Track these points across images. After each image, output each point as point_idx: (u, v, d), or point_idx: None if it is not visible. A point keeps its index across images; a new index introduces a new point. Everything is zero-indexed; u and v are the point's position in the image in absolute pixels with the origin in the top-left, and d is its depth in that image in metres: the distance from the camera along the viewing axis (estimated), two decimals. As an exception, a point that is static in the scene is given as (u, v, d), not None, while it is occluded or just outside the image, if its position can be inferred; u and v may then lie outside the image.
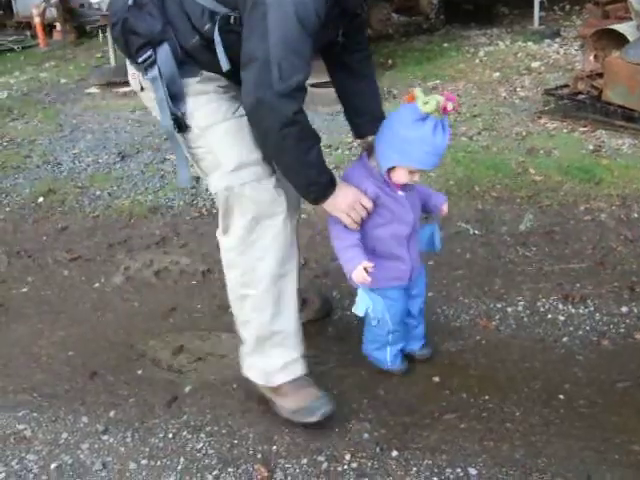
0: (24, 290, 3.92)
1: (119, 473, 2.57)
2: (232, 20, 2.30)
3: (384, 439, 2.61)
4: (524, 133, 5.29)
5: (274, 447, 2.62)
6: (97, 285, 3.89)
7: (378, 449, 2.57)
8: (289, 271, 2.61)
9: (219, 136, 2.49)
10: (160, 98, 2.41)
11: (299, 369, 2.69)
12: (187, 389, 2.98)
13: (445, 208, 2.79)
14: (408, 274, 2.72)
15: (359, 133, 2.80)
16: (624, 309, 3.24)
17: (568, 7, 9.19)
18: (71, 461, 2.65)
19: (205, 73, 2.46)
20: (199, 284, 3.81)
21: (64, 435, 2.78)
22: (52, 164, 5.59)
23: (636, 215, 4.03)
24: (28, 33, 11.06)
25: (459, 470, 2.45)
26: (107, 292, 3.82)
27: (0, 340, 3.45)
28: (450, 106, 2.31)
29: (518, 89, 6.38)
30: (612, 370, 2.88)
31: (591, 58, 5.66)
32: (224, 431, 2.73)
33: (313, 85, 4.36)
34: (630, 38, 5.22)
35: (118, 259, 4.13)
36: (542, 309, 3.30)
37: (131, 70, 2.59)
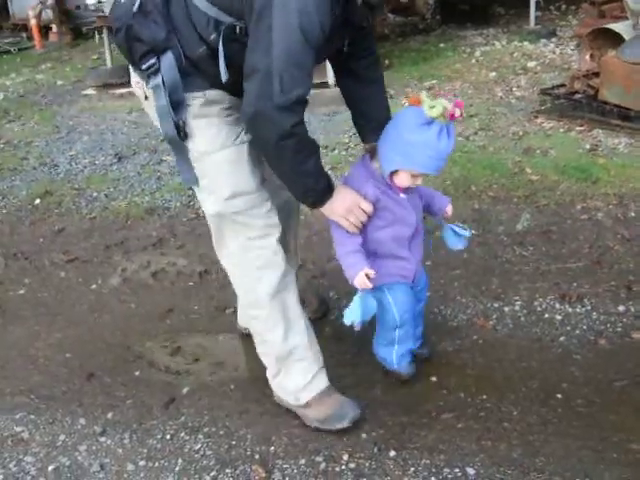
0: (21, 292, 3.92)
1: (117, 475, 2.57)
2: (237, 30, 2.26)
3: (382, 439, 2.61)
4: (521, 133, 5.29)
5: (272, 448, 2.62)
6: (94, 287, 3.89)
7: (376, 449, 2.57)
8: (288, 283, 2.64)
9: (217, 163, 2.47)
10: (162, 106, 2.37)
11: (322, 382, 2.72)
12: (185, 390, 2.98)
13: (449, 210, 2.78)
14: (412, 273, 2.72)
15: (366, 139, 2.75)
16: (621, 308, 3.24)
17: (564, 7, 9.19)
18: (69, 463, 2.65)
19: (208, 94, 2.41)
20: (196, 285, 3.82)
21: (62, 437, 2.78)
22: (49, 166, 5.59)
23: (633, 214, 4.03)
24: (24, 35, 11.08)
25: (457, 470, 2.45)
26: (104, 294, 3.82)
27: (-3, 342, 3.45)
28: (458, 112, 2.29)
29: (514, 89, 6.38)
30: (609, 369, 2.88)
31: (587, 57, 5.65)
32: (222, 432, 2.73)
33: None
34: (626, 37, 5.21)
35: (115, 260, 4.13)
36: (539, 308, 3.30)
37: (135, 78, 2.56)
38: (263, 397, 2.84)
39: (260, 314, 2.65)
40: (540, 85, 6.24)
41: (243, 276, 2.64)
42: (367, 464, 2.50)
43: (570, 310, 3.27)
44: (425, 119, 2.30)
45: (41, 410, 2.94)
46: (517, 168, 4.69)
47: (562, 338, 3.10)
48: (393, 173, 2.47)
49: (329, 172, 2.54)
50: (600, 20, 6.00)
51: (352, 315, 2.52)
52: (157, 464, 2.61)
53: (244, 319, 3.01)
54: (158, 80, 2.34)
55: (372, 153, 2.57)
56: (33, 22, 10.17)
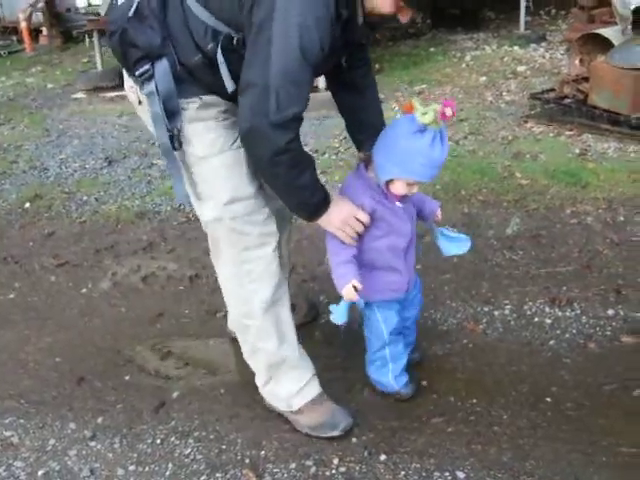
0: (11, 296, 3.90)
1: (107, 479, 2.57)
2: (235, 41, 2.23)
3: (372, 443, 2.61)
4: (510, 137, 5.31)
5: (262, 452, 2.62)
6: (84, 291, 3.88)
7: (366, 453, 2.57)
8: (282, 295, 2.63)
9: (215, 168, 2.44)
10: (155, 114, 2.34)
11: (315, 389, 2.72)
12: (175, 395, 2.97)
13: (439, 214, 2.79)
14: (405, 286, 2.70)
15: (363, 146, 2.71)
16: (610, 312, 3.26)
17: (554, 12, 9.24)
18: (59, 468, 2.64)
19: (204, 98, 2.38)
20: (186, 289, 3.81)
21: (51, 442, 2.77)
22: (39, 169, 5.58)
23: (622, 218, 4.05)
24: (14, 38, 11.06)
25: (447, 474, 2.45)
26: (94, 298, 3.81)
27: (-13, 346, 3.44)
28: (449, 112, 2.25)
29: (504, 93, 6.41)
30: (599, 373, 2.89)
31: (577, 62, 5.68)
32: (212, 436, 2.73)
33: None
34: (615, 42, 5.25)
35: (105, 265, 4.12)
36: (529, 312, 3.31)
37: (129, 83, 2.52)
38: (253, 401, 2.84)
39: (253, 324, 2.63)
40: (530, 90, 6.27)
41: (237, 288, 2.61)
42: (357, 468, 2.50)
43: (560, 314, 3.28)
44: (418, 126, 2.27)
45: (31, 414, 2.93)
46: (507, 172, 4.71)
47: (552, 342, 3.11)
48: (389, 182, 2.45)
49: (320, 176, 2.52)
50: (590, 25, 6.03)
51: (337, 315, 2.52)
52: (147, 469, 2.60)
53: (234, 325, 3.01)
54: (152, 87, 2.31)
55: (367, 162, 2.54)
56: (23, 25, 10.15)
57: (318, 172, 2.42)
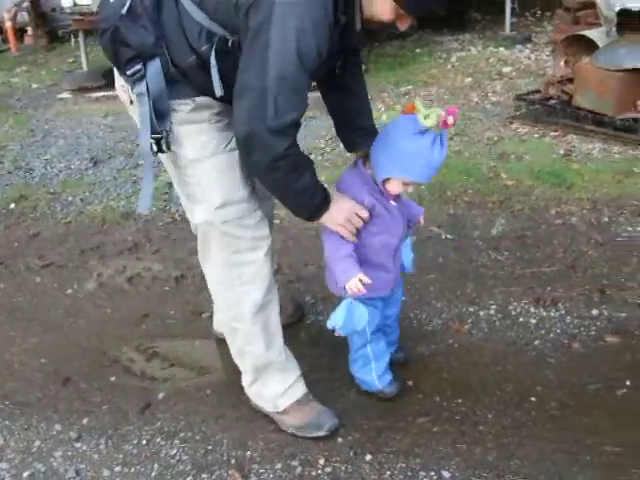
0: (-5, 297, 3.89)
1: (92, 480, 2.57)
2: (230, 43, 2.20)
3: (358, 443, 2.62)
4: (496, 138, 5.33)
5: (248, 452, 2.62)
6: (69, 291, 3.87)
7: (352, 453, 2.58)
8: (272, 299, 2.63)
9: (207, 171, 2.41)
10: (144, 114, 2.29)
11: (300, 389, 2.73)
12: (160, 395, 2.97)
13: (422, 220, 2.80)
14: (392, 284, 2.71)
15: (353, 148, 2.71)
16: (594, 312, 3.28)
17: (539, 13, 9.27)
18: (44, 469, 2.63)
19: (197, 100, 2.35)
20: (172, 290, 3.80)
21: (37, 443, 2.77)
22: (24, 170, 5.55)
23: (606, 219, 4.08)
24: (-1, 37, 10.99)
25: (432, 473, 2.46)
26: (79, 298, 3.80)
27: (-29, 348, 3.42)
28: (451, 120, 2.25)
29: (490, 94, 6.43)
30: (583, 372, 2.91)
31: (562, 64, 5.71)
32: (198, 437, 2.73)
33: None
34: (600, 44, 5.28)
35: (90, 265, 4.11)
36: (514, 312, 3.33)
37: (120, 82, 2.49)
38: (239, 402, 2.84)
39: (241, 328, 2.62)
40: (515, 91, 6.29)
41: (227, 290, 2.59)
42: (343, 468, 2.51)
43: (544, 314, 3.29)
44: (419, 128, 2.27)
45: (16, 416, 2.92)
46: (492, 173, 4.73)
47: (536, 342, 3.12)
48: (385, 180, 2.45)
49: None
50: (575, 27, 6.06)
51: (335, 320, 2.52)
52: (133, 469, 2.60)
53: (221, 325, 3.00)
54: (143, 88, 2.27)
55: (364, 158, 2.54)
56: (8, 25, 10.09)
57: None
